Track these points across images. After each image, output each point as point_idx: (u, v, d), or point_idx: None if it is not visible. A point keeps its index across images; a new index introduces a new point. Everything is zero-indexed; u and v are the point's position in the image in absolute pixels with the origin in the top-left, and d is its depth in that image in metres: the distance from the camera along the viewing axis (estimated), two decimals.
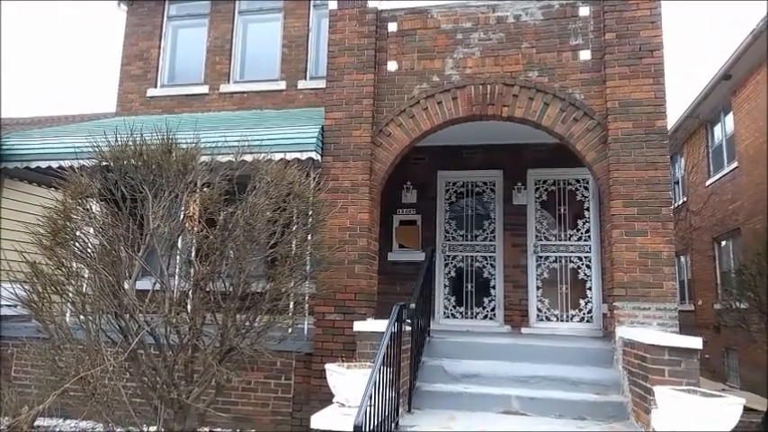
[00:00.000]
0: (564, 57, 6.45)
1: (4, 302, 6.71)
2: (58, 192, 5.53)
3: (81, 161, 5.86)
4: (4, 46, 41.41)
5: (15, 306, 4.83)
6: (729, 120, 12.03)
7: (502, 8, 6.68)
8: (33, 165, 7.35)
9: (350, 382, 4.58)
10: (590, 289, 7.85)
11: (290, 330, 6.28)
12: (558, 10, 6.56)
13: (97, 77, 43.05)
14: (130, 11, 9.87)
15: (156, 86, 9.56)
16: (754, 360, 9.73)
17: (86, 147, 5.45)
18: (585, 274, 7.92)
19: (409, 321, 5.30)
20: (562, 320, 7.89)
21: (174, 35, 9.85)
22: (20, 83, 42.14)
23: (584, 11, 6.49)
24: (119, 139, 4.95)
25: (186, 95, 9.35)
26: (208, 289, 4.89)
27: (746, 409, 4.08)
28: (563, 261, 8.04)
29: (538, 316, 7.95)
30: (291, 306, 5.58)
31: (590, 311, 7.82)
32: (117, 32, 22.50)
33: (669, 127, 7.44)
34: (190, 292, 5.03)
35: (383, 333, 4.54)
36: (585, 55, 6.41)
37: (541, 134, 6.64)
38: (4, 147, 7.41)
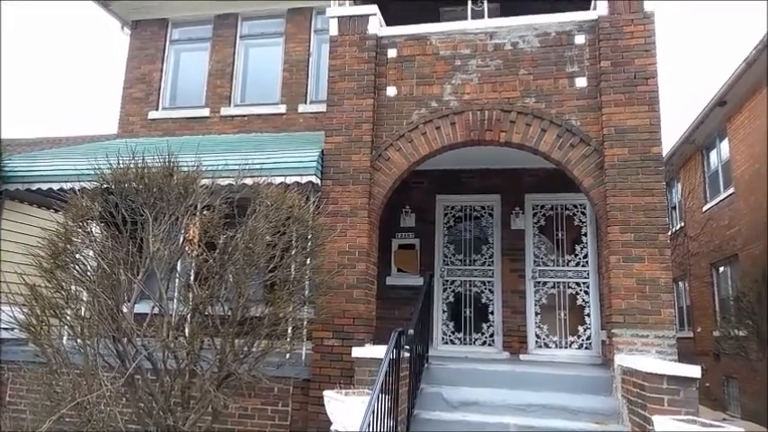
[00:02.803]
0: (560, 83, 6.55)
1: (2, 325, 6.69)
2: (58, 214, 5.55)
3: (82, 183, 5.90)
4: (7, 68, 41.76)
5: (13, 329, 4.81)
6: (725, 145, 12.15)
7: (499, 35, 6.80)
8: (35, 186, 7.37)
9: (348, 410, 4.55)
10: (588, 315, 7.84)
11: (288, 356, 6.24)
12: (555, 38, 6.67)
13: (99, 99, 43.35)
14: (134, 34, 10.01)
15: (157, 109, 9.64)
16: (754, 389, 9.66)
17: (88, 169, 5.49)
18: (584, 300, 7.91)
19: (408, 348, 5.28)
20: (561, 347, 7.85)
21: (177, 58, 9.97)
22: (23, 104, 42.41)
23: (580, 39, 6.61)
24: (120, 161, 4.99)
25: (187, 118, 9.44)
26: (206, 313, 4.89)
27: None
28: (561, 287, 8.04)
29: (536, 342, 7.92)
30: (290, 331, 5.57)
31: (589, 338, 7.80)
32: (119, 55, 22.73)
33: (665, 152, 7.52)
34: (188, 317, 5.02)
35: (381, 360, 4.52)
36: (582, 82, 6.50)
37: (539, 159, 6.71)
38: (5, 168, 7.44)
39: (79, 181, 6.34)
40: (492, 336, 8.11)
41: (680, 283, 14.67)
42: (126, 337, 4.48)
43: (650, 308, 5.69)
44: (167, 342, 4.46)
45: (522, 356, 7.72)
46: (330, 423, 4.76)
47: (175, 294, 5.11)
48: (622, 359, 5.45)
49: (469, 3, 6.93)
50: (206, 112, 9.41)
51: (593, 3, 6.65)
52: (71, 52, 49.91)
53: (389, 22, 7.32)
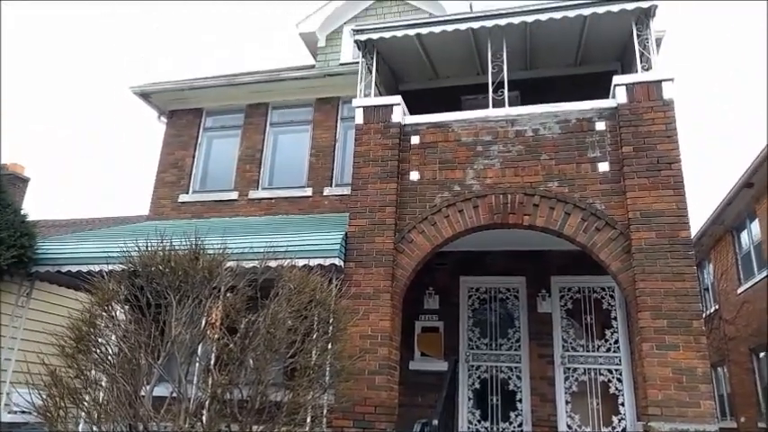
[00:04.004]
0: (583, 168, 6.60)
1: (17, 409, 6.63)
2: (84, 293, 5.62)
3: (110, 266, 6.01)
4: (50, 155, 44.01)
5: (29, 413, 4.76)
6: (755, 226, 11.91)
7: (520, 122, 6.96)
8: (64, 269, 7.54)
9: None
10: (623, 405, 7.44)
11: None
12: (576, 124, 6.81)
13: (134, 182, 45.20)
14: (169, 123, 10.53)
15: (188, 192, 9.95)
16: None
17: (116, 252, 5.61)
18: (617, 389, 7.54)
19: None
20: None
21: (209, 145, 10.40)
22: (62, 187, 44.34)
23: (601, 125, 6.72)
24: (148, 245, 5.09)
25: (216, 201, 9.70)
26: (225, 399, 4.78)
27: None
28: (592, 373, 7.70)
29: None
30: (309, 420, 5.38)
31: (624, 430, 7.35)
32: (155, 142, 23.87)
33: (694, 232, 7.39)
34: (206, 403, 4.91)
35: None
36: (604, 167, 6.54)
37: (563, 241, 6.65)
38: (38, 251, 7.65)
39: (107, 263, 6.45)
40: (520, 426, 7.70)
41: (718, 368, 13.94)
42: (142, 424, 4.38)
43: (689, 399, 5.39)
44: (183, 431, 4.34)
45: None
46: None
47: (195, 379, 5.03)
48: None
49: (490, 91, 7.16)
50: (234, 195, 9.67)
51: (612, 91, 6.81)
52: (110, 138, 52.62)
53: (412, 109, 7.59)
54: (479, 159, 6.93)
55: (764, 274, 11.25)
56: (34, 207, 17.02)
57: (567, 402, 7.63)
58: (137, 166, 50.41)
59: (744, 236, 12.77)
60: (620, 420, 7.40)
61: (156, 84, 10.43)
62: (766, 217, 11.10)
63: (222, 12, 55.43)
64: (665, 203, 6.11)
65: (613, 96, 6.75)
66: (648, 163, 6.30)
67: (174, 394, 4.61)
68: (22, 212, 8.02)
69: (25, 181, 11.19)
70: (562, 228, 6.40)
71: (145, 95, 10.33)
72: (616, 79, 6.80)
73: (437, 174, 7.03)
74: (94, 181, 48.92)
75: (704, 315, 6.42)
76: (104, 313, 4.83)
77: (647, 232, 6.04)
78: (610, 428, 7.42)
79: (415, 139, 7.28)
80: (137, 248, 5.13)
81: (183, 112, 10.48)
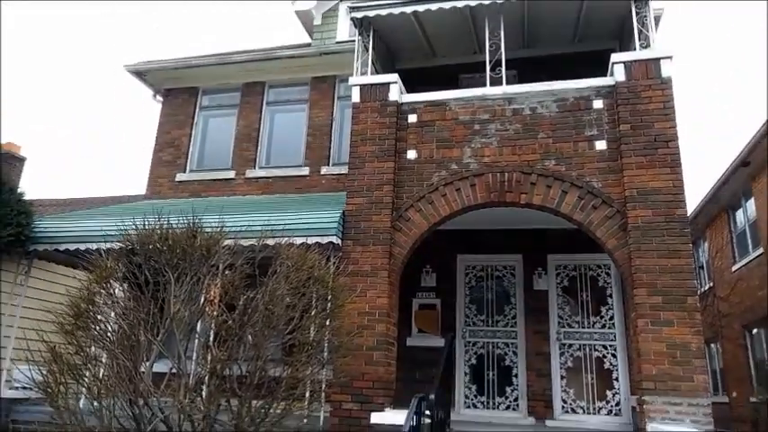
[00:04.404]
0: (580, 146, 6.60)
1: (18, 385, 6.70)
2: (82, 271, 5.64)
3: (108, 244, 6.02)
4: (42, 131, 43.70)
5: (30, 389, 4.81)
6: (751, 205, 11.96)
7: (518, 101, 6.94)
8: (62, 247, 7.55)
9: None
10: (617, 380, 7.55)
11: (305, 420, 6.09)
12: (573, 103, 6.78)
13: (130, 161, 44.95)
14: (165, 101, 10.46)
15: (184, 171, 9.93)
16: None
17: (114, 230, 5.63)
18: (611, 364, 7.64)
19: (428, 413, 5.12)
20: (589, 413, 7.53)
21: (205, 124, 10.35)
22: (57, 166, 44.09)
23: (598, 104, 6.70)
24: (146, 223, 5.10)
25: (213, 180, 9.69)
26: (224, 374, 4.83)
27: None
28: (587, 349, 7.80)
29: (563, 407, 7.62)
30: (308, 394, 5.45)
31: (618, 404, 7.47)
32: (151, 120, 23.69)
33: (690, 212, 7.41)
34: (206, 378, 4.96)
35: (401, 426, 4.38)
36: (601, 145, 6.54)
37: (560, 220, 6.67)
38: (35, 229, 7.66)
39: (105, 242, 6.45)
40: (516, 400, 7.83)
41: (711, 344, 14.12)
42: (142, 399, 4.44)
43: (682, 374, 5.47)
44: (183, 405, 4.40)
45: (548, 422, 7.41)
46: None
47: (194, 356, 5.09)
48: (656, 428, 5.20)
49: (488, 70, 7.11)
50: (231, 174, 9.66)
51: (610, 69, 6.78)
52: (107, 118, 52.22)
53: (410, 88, 7.54)
54: (477, 138, 6.92)
55: (759, 251, 11.34)
56: (30, 187, 16.95)
57: (562, 377, 7.74)
58: (134, 146, 50.12)
59: (739, 214, 12.83)
60: (614, 395, 7.52)
61: (151, 62, 10.34)
62: (763, 195, 11.14)
63: None
64: (662, 181, 6.12)
65: (611, 74, 6.72)
66: (646, 141, 6.30)
67: (174, 370, 4.66)
68: (19, 191, 8.01)
69: (21, 160, 11.12)
70: (559, 206, 6.42)
71: (139, 74, 10.24)
72: (614, 57, 6.76)
73: (434, 152, 7.02)
74: (91, 161, 48.68)
75: (698, 293, 6.47)
76: (103, 291, 4.86)
77: (643, 210, 6.07)
78: (604, 402, 7.54)
79: (412, 118, 7.25)
80: (134, 226, 5.14)
81: (178, 91, 10.41)
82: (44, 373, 4.47)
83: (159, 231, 5.04)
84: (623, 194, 6.20)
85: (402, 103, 7.32)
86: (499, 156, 6.77)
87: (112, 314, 4.94)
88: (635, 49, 6.78)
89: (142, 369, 4.61)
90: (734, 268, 12.77)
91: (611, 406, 7.49)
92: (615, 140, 6.46)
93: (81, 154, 49.26)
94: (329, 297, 5.69)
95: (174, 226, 5.08)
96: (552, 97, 6.84)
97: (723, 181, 12.17)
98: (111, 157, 49.52)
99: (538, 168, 6.59)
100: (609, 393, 7.55)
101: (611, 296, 7.96)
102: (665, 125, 6.29)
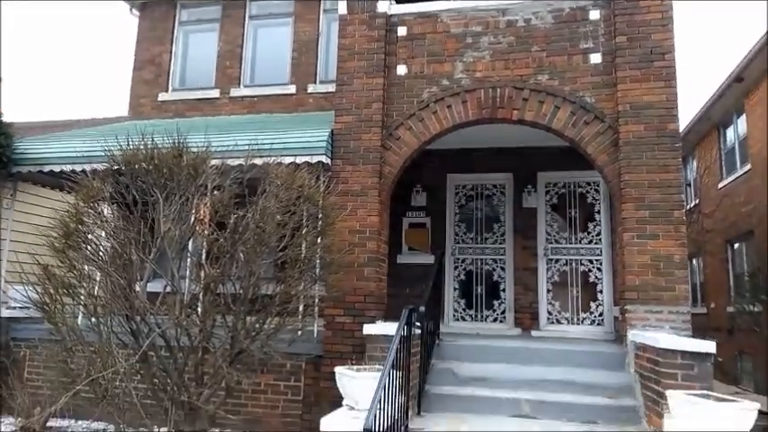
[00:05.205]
0: (574, 60, 6.42)
1: (15, 304, 6.81)
2: (69, 195, 5.60)
3: (93, 165, 5.93)
4: (14, 50, 41.91)
5: (28, 308, 4.89)
6: (742, 122, 11.92)
7: (512, 12, 6.67)
8: (46, 168, 7.42)
9: (360, 385, 4.58)
10: (601, 292, 7.80)
11: (299, 333, 6.29)
12: (569, 14, 6.54)
13: (109, 81, 43.45)
14: (142, 16, 9.97)
15: (167, 91, 9.63)
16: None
17: (98, 151, 5.52)
18: (596, 277, 7.86)
19: (419, 324, 5.29)
20: (573, 323, 7.84)
21: (186, 40, 9.93)
22: (31, 87, 42.65)
23: (595, 14, 6.46)
24: (130, 143, 5.00)
25: (197, 99, 9.43)
26: (218, 291, 4.92)
27: (760, 413, 4.03)
28: (574, 264, 7.99)
29: (548, 319, 7.91)
30: (301, 309, 5.59)
31: (601, 314, 7.77)
32: (129, 36, 22.68)
33: (681, 129, 7.36)
34: (200, 295, 5.06)
35: (393, 336, 4.53)
36: (596, 58, 6.37)
37: (551, 137, 6.62)
38: (17, 151, 7.49)
39: (90, 163, 6.37)
40: (503, 312, 8.11)
41: (694, 260, 14.54)
42: (139, 315, 4.53)
43: (664, 284, 5.64)
44: (180, 320, 4.50)
45: (533, 333, 7.72)
46: (342, 398, 4.80)
47: (187, 273, 5.15)
48: (636, 335, 5.43)
49: None
50: (216, 93, 9.39)
51: None
52: (80, 33, 49.94)
53: None
54: (469, 51, 6.70)
55: (747, 167, 11.43)
56: (8, 110, 16.41)
57: (548, 291, 7.98)
58: (112, 65, 48.30)
59: (729, 132, 12.81)
60: (597, 306, 7.79)
61: None
62: (755, 112, 11.08)
63: None
64: (656, 95, 6.03)
65: None
66: (642, 54, 6.14)
67: (168, 289, 4.73)
68: None
69: None
70: (551, 122, 6.34)
71: None
72: None
73: (425, 67, 6.81)
74: (69, 82, 47.07)
75: (685, 209, 6.57)
76: (91, 210, 4.82)
77: (635, 125, 6.01)
78: (588, 313, 7.83)
79: (401, 31, 6.97)
80: (119, 147, 5.03)
81: (155, 4, 9.90)
82: (39, 291, 4.52)
83: (144, 151, 4.94)
84: (616, 109, 6.12)
85: (391, 15, 7.01)
86: (491, 70, 6.59)
87: (102, 234, 4.93)
88: None
89: (137, 288, 4.67)
90: (720, 185, 12.92)
91: (595, 316, 7.79)
92: (610, 53, 6.29)
93: (57, 75, 47.54)
94: (320, 215, 5.71)
95: (159, 145, 4.97)
96: (548, 8, 6.58)
97: (716, 98, 12.04)
98: (90, 77, 47.87)
99: (530, 83, 6.44)
100: (593, 305, 7.82)
101: (599, 212, 8.06)
102: (662, 36, 6.11)
